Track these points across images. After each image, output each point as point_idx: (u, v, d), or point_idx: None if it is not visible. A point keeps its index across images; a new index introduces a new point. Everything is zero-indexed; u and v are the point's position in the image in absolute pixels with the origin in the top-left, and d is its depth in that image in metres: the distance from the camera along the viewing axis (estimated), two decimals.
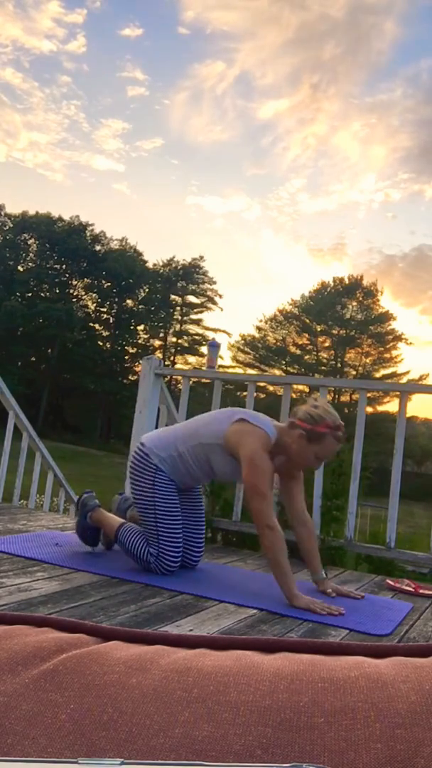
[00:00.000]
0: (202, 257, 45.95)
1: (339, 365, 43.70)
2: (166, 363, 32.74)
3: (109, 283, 44.06)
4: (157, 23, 60.22)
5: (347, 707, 0.29)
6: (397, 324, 48.79)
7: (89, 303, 45.22)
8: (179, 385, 4.01)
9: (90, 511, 2.71)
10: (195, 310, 46.37)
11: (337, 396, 31.99)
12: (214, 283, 46.11)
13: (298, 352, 45.16)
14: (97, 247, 44.37)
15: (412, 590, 2.68)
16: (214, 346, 4.10)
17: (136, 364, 40.11)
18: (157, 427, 3.84)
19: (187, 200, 65.48)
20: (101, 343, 44.69)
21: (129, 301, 45.13)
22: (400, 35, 57.28)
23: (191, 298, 46.21)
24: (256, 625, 2.00)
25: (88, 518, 2.70)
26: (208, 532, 3.63)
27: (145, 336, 46.14)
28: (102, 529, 2.71)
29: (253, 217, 66.14)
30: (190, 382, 3.87)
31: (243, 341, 45.32)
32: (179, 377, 4.13)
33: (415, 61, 62.36)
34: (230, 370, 32.35)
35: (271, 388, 25.46)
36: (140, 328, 45.67)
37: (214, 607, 2.14)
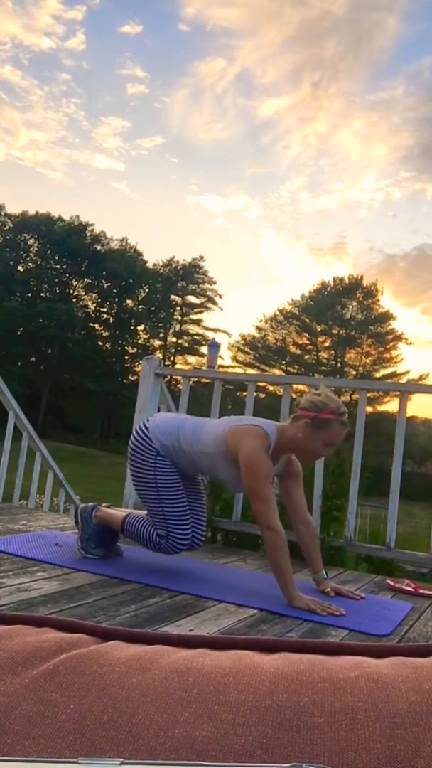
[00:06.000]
0: (202, 257, 45.97)
1: (339, 365, 43.69)
2: (166, 363, 32.76)
3: (109, 283, 44.04)
4: (157, 20, 60.13)
5: (347, 707, 0.29)
6: (397, 324, 48.77)
7: (89, 303, 45.23)
8: (179, 385, 4.01)
9: (93, 510, 2.68)
10: (195, 310, 46.39)
11: (337, 396, 31.90)
12: (214, 283, 46.14)
13: (298, 352, 45.16)
14: (97, 247, 44.35)
15: (412, 590, 2.68)
16: (214, 346, 4.10)
17: (136, 364, 40.10)
18: None
19: (187, 199, 65.50)
20: (101, 343, 44.68)
21: (129, 301, 45.12)
22: (402, 32, 57.10)
23: (191, 298, 46.23)
24: (256, 625, 2.00)
25: (94, 518, 2.67)
26: (208, 531, 3.63)
27: (145, 336, 46.15)
28: (108, 525, 2.68)
29: (254, 216, 66.14)
30: (190, 382, 3.87)
31: (243, 341, 45.33)
32: (179, 377, 4.13)
33: (417, 59, 62.28)
34: (230, 370, 32.31)
35: (271, 388, 25.46)
36: (140, 328, 45.67)
37: (214, 607, 2.14)
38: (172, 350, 45.86)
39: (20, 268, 43.31)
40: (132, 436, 2.62)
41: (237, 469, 2.37)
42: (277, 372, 40.99)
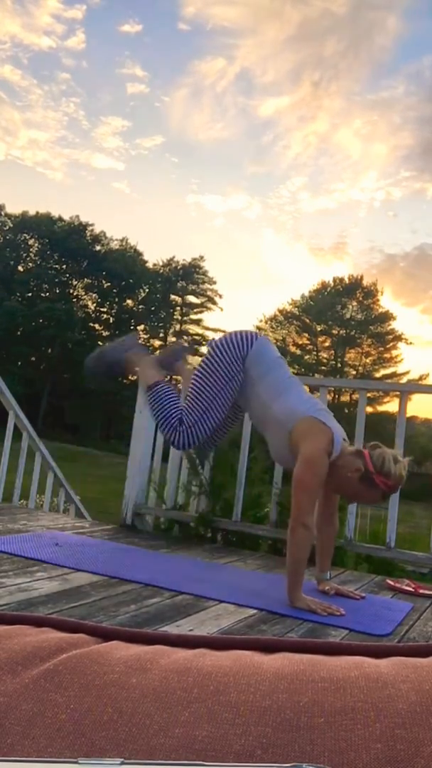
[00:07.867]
0: (202, 257, 46.03)
1: (339, 365, 43.73)
2: None
3: (109, 283, 44.07)
4: (156, 19, 60.21)
5: (347, 707, 0.29)
6: (397, 324, 48.92)
7: (89, 303, 45.25)
8: (179, 385, 4.01)
9: (131, 349, 2.67)
10: (195, 310, 46.42)
11: (337, 396, 31.97)
12: (214, 283, 46.19)
13: (298, 352, 45.18)
14: (97, 247, 44.37)
15: (412, 590, 2.68)
16: None
17: None
18: (157, 429, 3.83)
19: (187, 199, 65.58)
20: (101, 343, 44.44)
21: (129, 301, 45.16)
22: (402, 31, 57.21)
23: (191, 298, 46.27)
24: (256, 625, 2.00)
25: (124, 353, 2.66)
26: (208, 531, 3.63)
27: (145, 336, 46.15)
28: (136, 372, 2.67)
29: (254, 216, 66.21)
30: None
31: None
32: (179, 377, 4.12)
33: (418, 58, 62.48)
34: None
35: None
36: (140, 328, 45.68)
37: (214, 607, 2.14)
38: None
39: (20, 268, 43.32)
40: (238, 332, 2.56)
41: (288, 450, 2.35)
42: None
